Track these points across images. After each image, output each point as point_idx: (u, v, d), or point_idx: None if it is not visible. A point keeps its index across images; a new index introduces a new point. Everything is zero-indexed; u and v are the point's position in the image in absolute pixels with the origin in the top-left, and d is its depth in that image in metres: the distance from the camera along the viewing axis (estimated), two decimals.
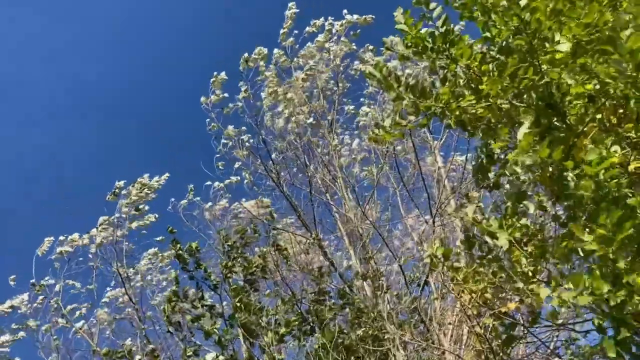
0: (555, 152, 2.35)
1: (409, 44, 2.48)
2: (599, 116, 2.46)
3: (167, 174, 7.47)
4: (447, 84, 2.38)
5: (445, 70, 2.46)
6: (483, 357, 4.99)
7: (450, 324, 5.85)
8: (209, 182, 7.33)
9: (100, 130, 15.40)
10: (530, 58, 2.36)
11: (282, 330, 5.07)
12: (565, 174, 2.51)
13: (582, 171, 2.32)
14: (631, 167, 2.63)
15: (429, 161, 6.67)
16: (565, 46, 2.29)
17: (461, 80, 2.35)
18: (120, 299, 7.26)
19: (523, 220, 3.04)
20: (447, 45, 2.42)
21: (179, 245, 5.89)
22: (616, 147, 2.32)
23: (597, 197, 2.24)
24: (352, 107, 7.21)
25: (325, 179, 6.99)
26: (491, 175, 2.76)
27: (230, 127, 6.67)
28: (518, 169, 2.59)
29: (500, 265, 3.73)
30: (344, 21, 7.31)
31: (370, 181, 6.96)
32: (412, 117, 2.41)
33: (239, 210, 7.18)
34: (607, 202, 2.19)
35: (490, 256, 3.79)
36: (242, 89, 6.40)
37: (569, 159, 2.47)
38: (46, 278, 7.11)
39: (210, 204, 7.22)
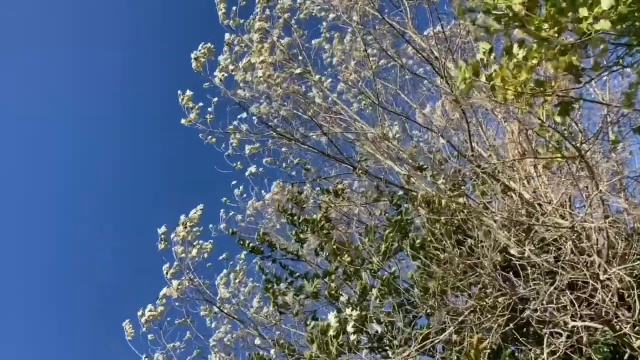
0: None
1: None
2: None
3: (201, 205, 7.51)
4: None
5: None
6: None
7: (514, 161, 5.82)
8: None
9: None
10: None
11: (388, 232, 5.09)
12: None
13: None
14: None
15: (413, 38, 6.61)
16: None
17: None
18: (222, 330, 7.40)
19: None
20: None
21: (246, 242, 6.06)
22: None
23: None
24: (318, 39, 7.20)
25: (327, 117, 6.94)
26: None
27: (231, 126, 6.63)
28: None
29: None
30: None
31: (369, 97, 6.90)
32: None
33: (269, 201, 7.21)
34: None
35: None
36: (224, 67, 6.29)
37: None
38: (156, 354, 7.20)
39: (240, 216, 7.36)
